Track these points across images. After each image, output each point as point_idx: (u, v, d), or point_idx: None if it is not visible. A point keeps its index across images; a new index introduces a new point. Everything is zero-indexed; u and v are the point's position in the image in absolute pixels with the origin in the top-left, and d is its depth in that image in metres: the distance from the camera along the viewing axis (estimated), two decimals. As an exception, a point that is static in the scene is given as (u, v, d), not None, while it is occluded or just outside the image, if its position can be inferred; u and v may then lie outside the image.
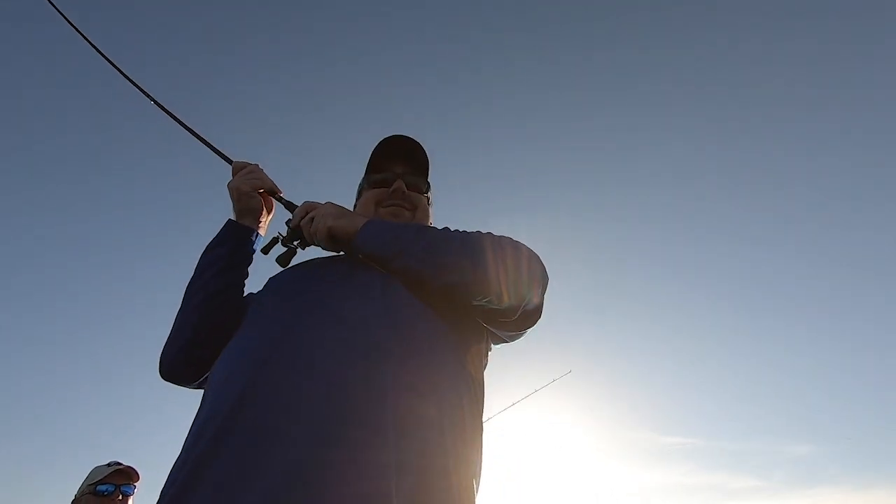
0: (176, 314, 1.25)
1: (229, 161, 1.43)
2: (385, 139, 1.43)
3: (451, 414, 0.97)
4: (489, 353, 1.28)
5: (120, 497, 2.61)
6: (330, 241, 1.21)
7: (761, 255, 9.82)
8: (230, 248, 1.29)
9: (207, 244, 1.31)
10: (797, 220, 9.52)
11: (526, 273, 1.15)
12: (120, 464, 2.68)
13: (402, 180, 1.38)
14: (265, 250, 1.35)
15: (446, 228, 1.22)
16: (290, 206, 1.37)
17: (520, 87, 9.10)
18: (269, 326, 1.06)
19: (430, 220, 1.50)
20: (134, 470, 2.68)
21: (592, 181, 9.41)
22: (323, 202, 1.27)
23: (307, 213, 1.25)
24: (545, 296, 1.21)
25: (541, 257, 1.22)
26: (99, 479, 2.61)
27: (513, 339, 1.29)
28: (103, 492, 2.60)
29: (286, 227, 1.32)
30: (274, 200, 1.39)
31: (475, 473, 1.01)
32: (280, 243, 1.32)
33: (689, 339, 10.42)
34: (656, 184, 9.39)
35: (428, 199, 1.47)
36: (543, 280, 1.20)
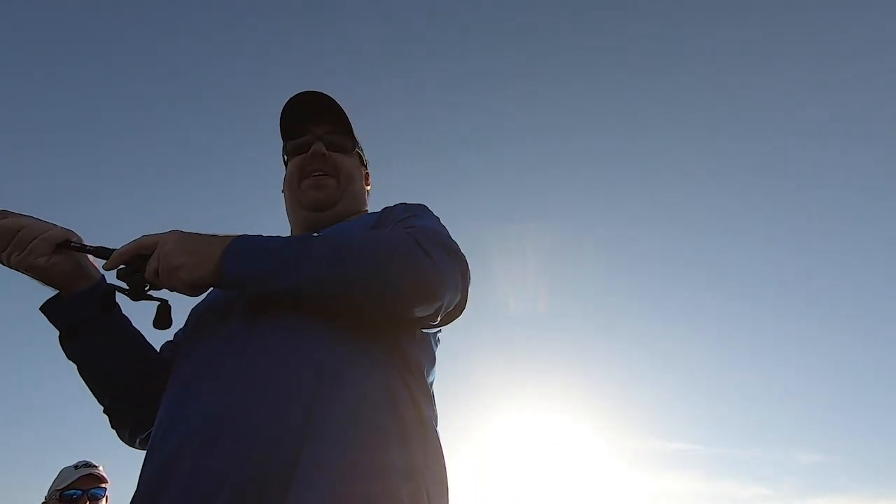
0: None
1: None
2: (293, 98, 1.24)
3: (372, 438, 0.85)
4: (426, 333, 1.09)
5: (88, 502, 2.53)
6: (192, 288, 0.93)
7: (773, 260, 9.63)
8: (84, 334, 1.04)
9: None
10: (809, 221, 9.32)
11: (440, 278, 0.94)
12: (89, 464, 2.59)
13: (321, 141, 1.22)
14: (105, 307, 1.05)
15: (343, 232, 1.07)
16: (102, 252, 1.00)
17: (522, 86, 8.99)
18: (175, 389, 0.96)
19: (366, 185, 1.36)
20: (101, 474, 2.59)
21: (598, 186, 9.26)
22: (165, 232, 0.95)
23: (150, 258, 0.94)
24: (468, 288, 1.03)
25: (458, 245, 1.03)
26: (66, 484, 2.53)
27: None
28: (71, 496, 2.52)
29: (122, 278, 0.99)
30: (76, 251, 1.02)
31: (413, 478, 0.87)
32: (131, 295, 0.98)
33: (697, 345, 10.26)
34: (663, 189, 9.23)
35: (361, 159, 1.32)
36: (463, 279, 1.00)
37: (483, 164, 8.68)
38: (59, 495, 2.51)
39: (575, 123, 8.96)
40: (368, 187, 1.37)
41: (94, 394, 1.11)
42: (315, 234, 1.10)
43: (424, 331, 1.05)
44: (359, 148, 1.31)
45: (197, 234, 0.95)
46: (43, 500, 2.61)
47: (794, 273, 9.69)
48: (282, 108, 1.26)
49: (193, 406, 0.88)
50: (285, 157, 1.30)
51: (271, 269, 0.90)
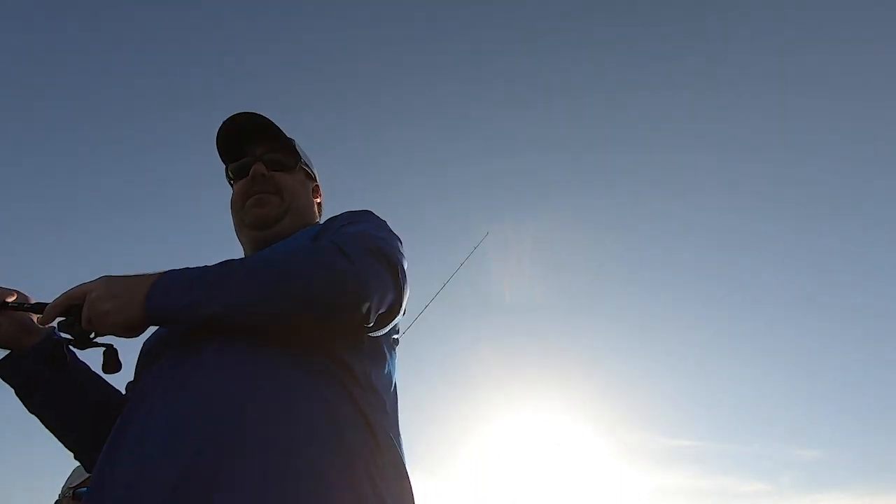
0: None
1: None
2: (228, 120, 1.23)
3: (303, 472, 0.83)
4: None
5: (100, 499, 2.61)
6: (125, 330, 0.94)
7: (772, 256, 9.69)
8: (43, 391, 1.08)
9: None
10: (810, 217, 9.39)
11: (360, 281, 0.93)
12: (101, 465, 2.67)
13: (261, 161, 1.22)
14: (54, 360, 1.06)
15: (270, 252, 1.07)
16: (39, 308, 1.02)
17: (519, 89, 9.07)
18: (113, 430, 0.97)
19: (316, 198, 1.36)
20: None
21: (599, 185, 9.35)
22: (94, 280, 0.95)
23: (79, 308, 0.94)
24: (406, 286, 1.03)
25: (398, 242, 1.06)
26: (79, 481, 2.59)
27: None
28: (84, 493, 2.60)
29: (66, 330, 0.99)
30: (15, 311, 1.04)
31: (353, 487, 0.86)
32: (76, 345, 0.99)
33: (696, 341, 10.32)
34: (663, 186, 9.31)
35: (309, 174, 1.32)
36: (394, 278, 0.99)
37: (484, 165, 8.77)
38: (73, 493, 2.54)
39: (576, 129, 9.04)
40: (318, 200, 1.37)
41: (62, 443, 1.12)
42: (255, 254, 1.14)
43: (370, 335, 1.03)
44: (303, 162, 1.30)
45: (124, 276, 0.96)
46: (57, 497, 2.68)
47: (794, 270, 9.75)
48: (217, 131, 1.25)
49: (126, 442, 0.90)
50: (231, 181, 1.31)
51: (193, 300, 0.91)
